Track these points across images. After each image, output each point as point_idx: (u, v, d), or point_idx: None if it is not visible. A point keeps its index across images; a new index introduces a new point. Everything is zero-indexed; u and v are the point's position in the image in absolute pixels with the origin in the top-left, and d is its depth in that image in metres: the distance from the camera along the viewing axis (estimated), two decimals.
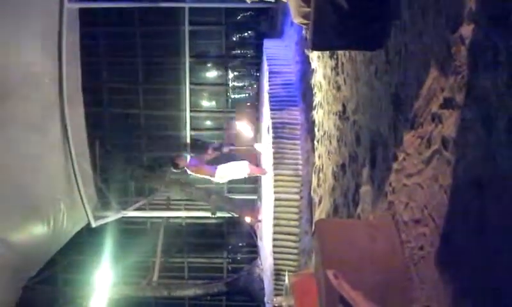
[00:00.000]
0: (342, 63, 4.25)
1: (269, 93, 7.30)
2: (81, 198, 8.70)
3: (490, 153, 1.77)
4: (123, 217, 10.40)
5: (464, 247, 1.97)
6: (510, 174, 1.65)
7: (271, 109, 7.03)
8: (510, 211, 1.65)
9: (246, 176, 8.46)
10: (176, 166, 8.45)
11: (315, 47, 3.62)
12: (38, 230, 8.15)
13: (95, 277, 9.99)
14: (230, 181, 10.84)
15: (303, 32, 6.29)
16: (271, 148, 6.80)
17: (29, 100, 7.56)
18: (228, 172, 8.30)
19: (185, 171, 8.51)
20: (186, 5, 10.13)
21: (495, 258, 1.74)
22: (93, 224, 9.17)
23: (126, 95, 11.47)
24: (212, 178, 8.43)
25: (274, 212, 6.58)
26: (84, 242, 10.75)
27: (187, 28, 10.31)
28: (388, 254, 2.68)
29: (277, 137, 6.77)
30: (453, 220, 2.08)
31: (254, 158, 9.37)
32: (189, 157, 8.70)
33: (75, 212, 8.80)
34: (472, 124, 1.90)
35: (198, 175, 8.57)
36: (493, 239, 1.76)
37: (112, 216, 9.94)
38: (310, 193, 5.72)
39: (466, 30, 1.95)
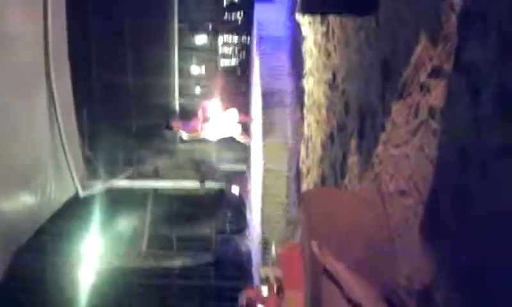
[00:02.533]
0: (333, 30, 4.14)
1: (259, 60, 7.18)
2: (69, 167, 8.61)
3: (476, 124, 1.71)
4: (111, 186, 10.34)
5: (448, 219, 1.93)
6: (495, 145, 1.60)
7: (261, 77, 6.92)
8: (494, 183, 1.61)
9: (238, 137, 8.34)
10: (170, 128, 8.39)
11: (305, 10, 3.54)
12: (26, 199, 8.08)
13: (83, 247, 9.99)
14: (220, 150, 10.79)
15: None
16: (261, 117, 6.73)
17: (13, 64, 7.36)
18: (220, 126, 8.14)
19: (180, 134, 8.42)
20: None
21: (479, 230, 1.71)
22: (81, 194, 9.11)
23: (114, 61, 11.25)
24: (206, 136, 8.32)
25: (263, 182, 6.55)
26: (72, 211, 10.71)
27: None
28: (373, 226, 2.65)
29: (267, 106, 6.69)
30: (438, 192, 2.04)
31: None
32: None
33: (63, 180, 8.73)
34: (459, 94, 1.84)
35: (193, 136, 8.46)
36: (477, 211, 1.72)
37: (100, 185, 9.87)
38: (298, 163, 5.68)
39: None
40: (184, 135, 8.37)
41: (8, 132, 7.32)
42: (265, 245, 6.52)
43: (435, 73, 2.06)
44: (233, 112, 8.14)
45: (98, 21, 10.86)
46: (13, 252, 8.37)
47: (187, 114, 10.57)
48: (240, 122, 8.28)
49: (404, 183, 2.40)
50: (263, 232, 6.57)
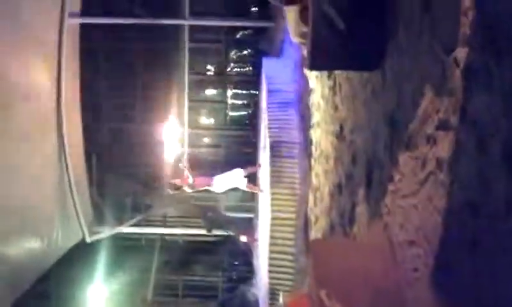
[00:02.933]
0: (340, 83, 4.26)
1: (267, 112, 7.32)
2: (76, 212, 8.65)
3: (483, 175, 1.76)
4: (118, 232, 10.32)
5: (457, 269, 1.95)
6: (502, 196, 1.64)
7: (269, 128, 7.04)
8: (502, 233, 1.64)
9: (244, 188, 8.41)
10: (175, 188, 8.48)
11: (313, 67, 3.65)
12: (32, 244, 8.07)
13: (88, 294, 9.87)
14: (228, 199, 10.81)
15: (302, 51, 6.32)
16: (269, 167, 6.79)
17: (26, 112, 7.57)
18: (225, 181, 8.27)
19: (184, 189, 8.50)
20: (186, 22, 10.23)
21: (488, 280, 1.72)
22: (88, 239, 9.10)
23: (124, 111, 11.49)
24: (210, 188, 8.42)
25: (271, 231, 6.54)
26: (78, 257, 10.65)
27: (187, 45, 10.39)
28: (383, 275, 2.65)
29: (275, 155, 6.77)
30: (447, 242, 2.06)
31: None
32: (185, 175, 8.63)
33: (70, 225, 8.74)
34: (466, 145, 1.90)
35: (197, 189, 8.56)
36: (486, 261, 1.74)
37: (107, 231, 9.87)
38: (306, 212, 5.70)
39: (461, 53, 1.96)
40: (187, 189, 8.45)
41: (17, 177, 7.42)
42: (272, 294, 6.43)
43: (442, 125, 2.12)
44: (239, 171, 8.28)
45: (109, 70, 11.19)
46: (17, 297, 8.28)
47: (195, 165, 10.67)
48: (247, 175, 8.38)
49: (413, 234, 2.42)
50: (270, 281, 6.49)
